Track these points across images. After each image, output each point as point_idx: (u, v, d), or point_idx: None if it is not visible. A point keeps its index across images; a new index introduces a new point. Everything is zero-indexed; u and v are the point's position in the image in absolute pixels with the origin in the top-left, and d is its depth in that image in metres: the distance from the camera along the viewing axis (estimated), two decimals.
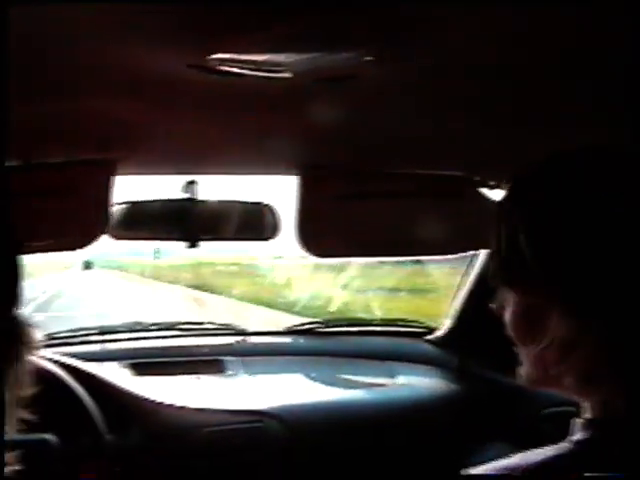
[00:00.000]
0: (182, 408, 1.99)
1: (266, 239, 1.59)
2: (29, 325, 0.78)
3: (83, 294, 16.78)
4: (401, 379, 2.37)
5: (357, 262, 3.31)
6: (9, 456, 0.77)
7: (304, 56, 0.98)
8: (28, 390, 0.79)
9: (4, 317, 0.76)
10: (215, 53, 0.92)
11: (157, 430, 1.91)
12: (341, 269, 3.14)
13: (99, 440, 1.66)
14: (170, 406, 1.98)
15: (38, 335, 0.80)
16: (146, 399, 1.96)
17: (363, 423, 2.13)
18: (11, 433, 0.77)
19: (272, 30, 0.86)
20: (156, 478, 1.86)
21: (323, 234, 1.53)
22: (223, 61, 0.94)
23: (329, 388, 2.26)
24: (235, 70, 0.97)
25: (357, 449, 2.10)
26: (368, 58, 0.98)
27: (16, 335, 0.77)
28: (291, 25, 0.85)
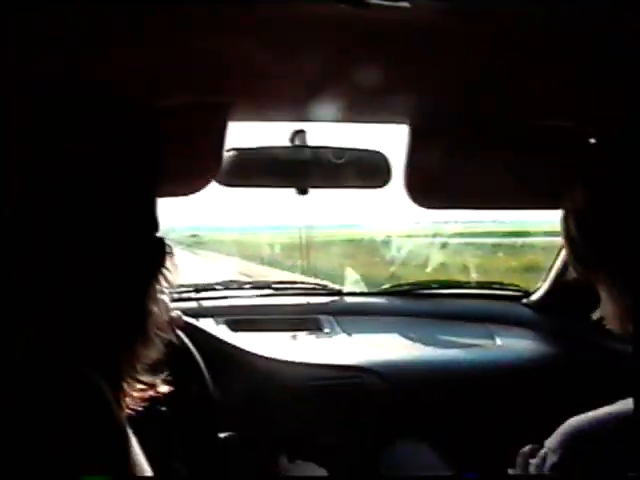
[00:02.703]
0: (283, 362, 2.00)
1: (377, 187, 1.56)
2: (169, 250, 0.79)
3: None
4: (499, 341, 2.34)
5: (457, 221, 3.25)
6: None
7: None
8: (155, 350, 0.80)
9: (148, 240, 0.77)
10: None
11: (260, 383, 1.93)
12: (440, 229, 3.11)
13: (206, 392, 1.68)
14: (271, 360, 1.99)
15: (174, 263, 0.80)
16: (248, 352, 1.98)
17: (463, 382, 2.10)
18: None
19: None
20: (259, 431, 1.87)
21: (431, 185, 1.50)
22: None
23: (428, 347, 2.24)
24: None
25: (456, 408, 2.08)
26: None
27: (157, 258, 0.77)
28: None
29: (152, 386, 0.81)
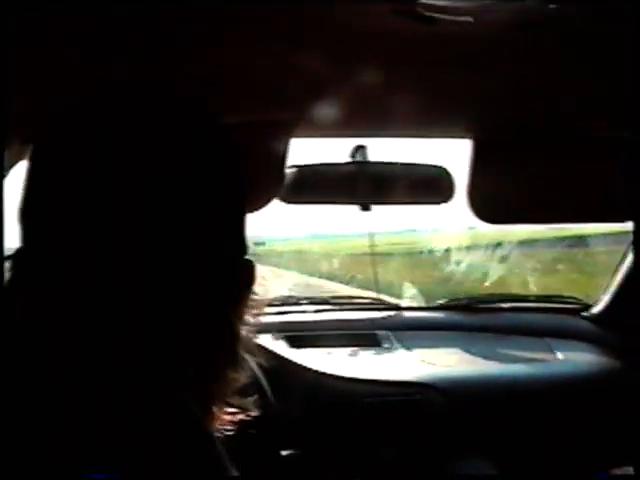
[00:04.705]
0: (342, 378, 1.99)
1: (441, 203, 1.55)
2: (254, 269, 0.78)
3: None
4: (560, 355, 2.29)
5: (516, 236, 3.22)
6: None
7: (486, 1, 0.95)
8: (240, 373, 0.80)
9: (235, 261, 0.76)
10: None
11: (320, 400, 1.92)
12: (499, 243, 3.07)
13: (268, 409, 1.67)
14: (330, 376, 1.98)
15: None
16: (307, 368, 1.97)
17: (527, 397, 2.07)
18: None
19: None
20: (320, 448, 1.86)
21: (494, 199, 1.48)
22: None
23: (488, 362, 2.20)
24: (427, 14, 0.94)
25: (519, 423, 2.04)
26: (552, 6, 0.94)
27: (246, 280, 0.77)
28: None
29: (243, 409, 0.80)
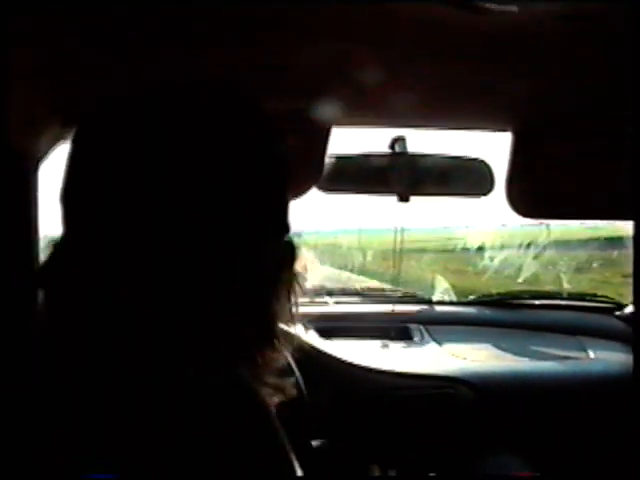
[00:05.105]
0: (373, 371, 1.99)
1: (480, 195, 1.54)
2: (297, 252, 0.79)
3: None
4: (592, 354, 2.27)
5: (550, 235, 3.19)
6: None
7: None
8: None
9: (277, 243, 0.77)
10: None
11: (351, 391, 1.92)
12: (532, 241, 3.05)
13: (300, 399, 1.67)
14: (362, 368, 1.99)
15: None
16: (339, 359, 1.98)
17: (558, 395, 2.05)
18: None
19: None
20: (351, 439, 1.86)
21: (533, 194, 1.47)
22: None
23: (520, 359, 2.19)
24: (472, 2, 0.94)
25: (549, 420, 2.03)
26: None
27: (287, 261, 0.77)
28: None
29: (281, 390, 0.80)
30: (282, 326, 0.79)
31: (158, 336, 0.68)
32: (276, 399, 0.80)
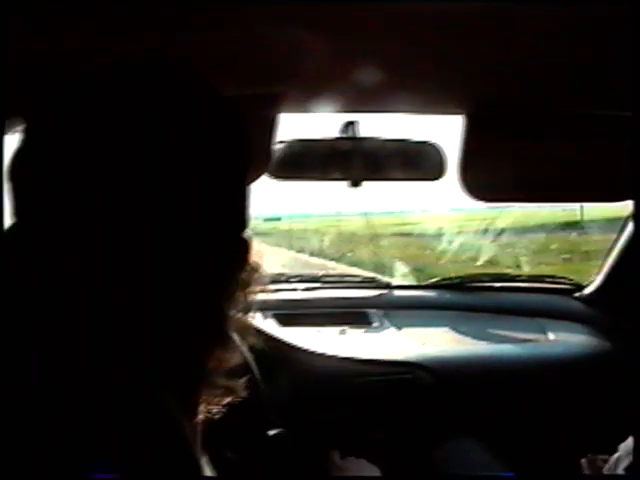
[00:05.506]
0: (332, 357, 1.98)
1: (432, 179, 1.52)
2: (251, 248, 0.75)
3: None
4: (552, 335, 2.28)
5: (509, 216, 3.19)
6: None
7: None
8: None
9: (234, 239, 0.73)
10: None
11: (309, 379, 1.90)
12: (491, 223, 3.05)
13: (255, 388, 1.65)
14: (320, 355, 1.97)
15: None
16: (296, 347, 1.96)
17: (516, 378, 2.06)
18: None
19: None
20: (308, 427, 1.85)
21: (487, 177, 1.45)
22: None
23: (479, 342, 2.19)
24: None
25: (509, 404, 2.03)
26: None
27: (241, 258, 0.74)
28: None
29: (232, 391, 0.78)
30: (239, 316, 0.76)
31: (90, 337, 0.64)
32: (225, 401, 0.77)
